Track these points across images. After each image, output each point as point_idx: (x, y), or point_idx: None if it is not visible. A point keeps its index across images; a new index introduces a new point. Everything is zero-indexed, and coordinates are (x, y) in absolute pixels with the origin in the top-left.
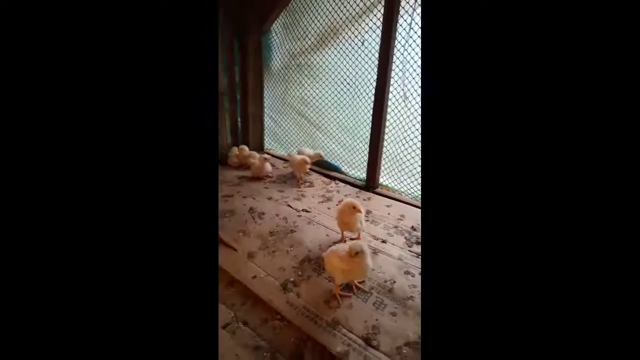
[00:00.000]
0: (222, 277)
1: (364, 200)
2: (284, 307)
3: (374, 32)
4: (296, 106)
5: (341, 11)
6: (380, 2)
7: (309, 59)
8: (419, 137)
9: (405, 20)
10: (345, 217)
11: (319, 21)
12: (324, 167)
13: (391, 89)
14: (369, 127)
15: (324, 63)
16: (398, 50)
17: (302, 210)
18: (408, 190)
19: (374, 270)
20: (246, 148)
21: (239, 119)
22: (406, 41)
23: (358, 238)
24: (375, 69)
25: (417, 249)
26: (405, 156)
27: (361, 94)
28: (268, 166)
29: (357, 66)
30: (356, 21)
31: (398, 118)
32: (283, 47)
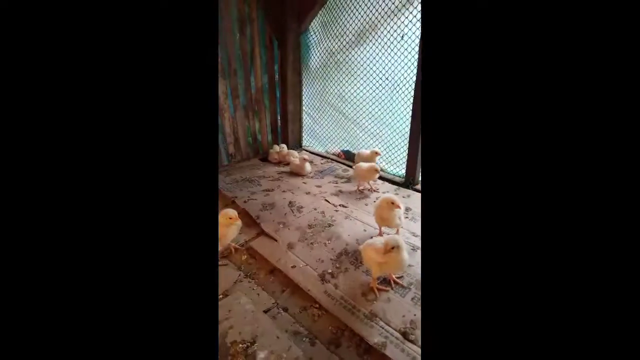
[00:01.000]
0: (263, 265)
1: (403, 197)
2: (322, 297)
3: (413, 25)
4: (334, 103)
5: (380, 6)
6: None
7: (347, 56)
8: None
9: None
10: (384, 212)
11: (357, 17)
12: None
13: None
14: (408, 123)
15: (362, 59)
16: None
17: (340, 205)
18: None
19: (413, 267)
20: (285, 147)
21: (278, 117)
22: None
23: (397, 234)
24: (415, 63)
25: None
26: None
27: (400, 89)
28: (308, 166)
29: (396, 61)
30: (395, 15)
31: None
32: (321, 45)
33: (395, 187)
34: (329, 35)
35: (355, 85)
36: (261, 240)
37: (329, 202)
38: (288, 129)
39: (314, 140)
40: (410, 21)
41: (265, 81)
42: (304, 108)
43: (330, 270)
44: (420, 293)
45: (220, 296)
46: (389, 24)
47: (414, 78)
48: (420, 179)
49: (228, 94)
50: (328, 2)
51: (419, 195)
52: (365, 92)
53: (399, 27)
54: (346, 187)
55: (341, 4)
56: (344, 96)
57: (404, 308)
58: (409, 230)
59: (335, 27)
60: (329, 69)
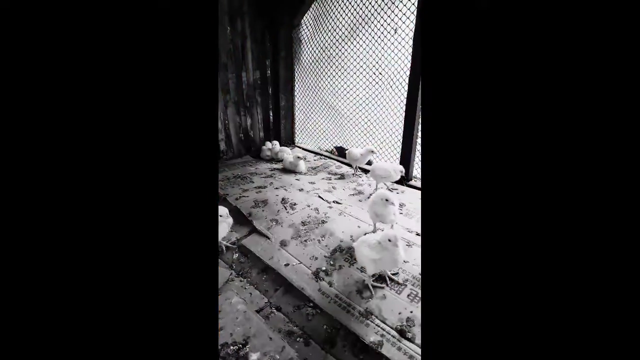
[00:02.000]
0: (256, 264)
1: (398, 193)
2: (316, 295)
3: (407, 18)
4: (327, 99)
5: None
6: None
7: (340, 50)
8: None
9: None
10: (378, 208)
11: (350, 11)
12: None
13: None
14: (402, 119)
15: (355, 54)
16: None
17: (333, 201)
18: None
19: (408, 263)
20: (277, 144)
21: (270, 113)
22: None
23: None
24: (409, 57)
25: None
26: None
27: (394, 84)
28: (302, 165)
29: (389, 55)
30: (389, 8)
31: None
32: (314, 40)
33: (389, 183)
34: (321, 30)
35: (347, 80)
36: (253, 238)
37: (322, 198)
38: (280, 126)
39: (307, 136)
40: (405, 14)
41: (256, 76)
42: (296, 104)
43: (324, 268)
44: (416, 290)
45: None
46: (382, 17)
47: (407, 72)
48: (414, 174)
49: (218, 89)
50: None
51: (412, 190)
52: (358, 87)
53: (392, 20)
54: (340, 183)
55: None
56: (336, 91)
57: (400, 305)
58: (403, 226)
59: (328, 21)
60: (321, 63)
